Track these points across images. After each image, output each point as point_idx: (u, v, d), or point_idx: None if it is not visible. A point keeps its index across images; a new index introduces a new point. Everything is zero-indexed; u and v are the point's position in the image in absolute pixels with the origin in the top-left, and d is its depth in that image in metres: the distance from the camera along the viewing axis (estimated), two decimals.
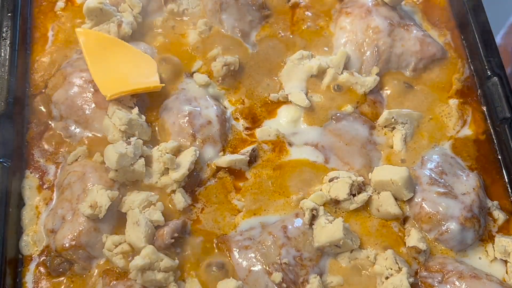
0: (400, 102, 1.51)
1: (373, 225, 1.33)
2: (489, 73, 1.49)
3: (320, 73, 1.50)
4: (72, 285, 1.24)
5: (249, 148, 1.40)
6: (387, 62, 1.52)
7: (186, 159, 1.31)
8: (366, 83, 1.49)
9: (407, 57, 1.53)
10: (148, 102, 1.43)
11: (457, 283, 1.23)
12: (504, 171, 1.43)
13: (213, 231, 1.31)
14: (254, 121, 1.47)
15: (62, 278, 1.25)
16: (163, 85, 1.42)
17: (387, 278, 1.22)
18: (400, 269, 1.22)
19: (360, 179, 1.34)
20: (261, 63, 1.54)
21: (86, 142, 1.38)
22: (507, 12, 1.92)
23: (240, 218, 1.33)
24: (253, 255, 1.24)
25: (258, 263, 1.23)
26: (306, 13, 1.61)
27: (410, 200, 1.33)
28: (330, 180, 1.34)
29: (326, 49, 1.56)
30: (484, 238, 1.34)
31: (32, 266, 1.26)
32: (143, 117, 1.38)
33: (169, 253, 1.24)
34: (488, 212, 1.36)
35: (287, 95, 1.48)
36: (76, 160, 1.36)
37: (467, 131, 1.49)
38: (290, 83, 1.50)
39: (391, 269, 1.23)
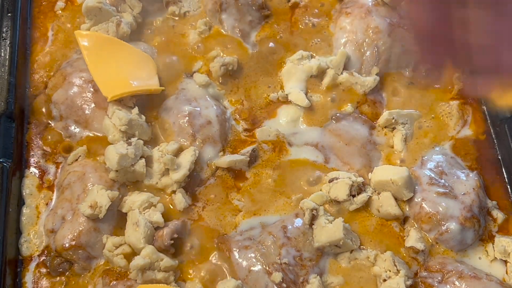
0: (400, 102, 1.51)
1: (373, 225, 1.33)
2: None
3: (320, 73, 1.50)
4: (72, 285, 1.24)
5: (249, 148, 1.40)
6: (387, 62, 1.52)
7: (186, 160, 1.31)
8: (366, 83, 1.49)
9: (407, 57, 1.53)
10: (148, 102, 1.43)
11: (457, 283, 1.23)
12: (504, 171, 1.43)
13: (216, 228, 1.31)
14: (254, 121, 1.47)
15: (62, 278, 1.25)
16: (163, 88, 1.42)
17: (385, 280, 1.23)
18: (398, 271, 1.23)
19: (360, 179, 1.34)
20: (261, 63, 1.54)
21: (86, 142, 1.38)
22: None
23: (240, 218, 1.33)
24: (253, 255, 1.24)
25: (258, 263, 1.23)
26: (306, 13, 1.61)
27: (410, 200, 1.33)
28: (330, 181, 1.34)
29: (326, 49, 1.56)
30: (484, 238, 1.34)
31: (32, 266, 1.26)
32: (143, 117, 1.38)
33: (169, 253, 1.24)
34: (488, 212, 1.36)
35: (286, 95, 1.48)
36: (76, 160, 1.37)
37: (467, 131, 1.49)
38: (290, 83, 1.50)
39: (390, 271, 1.23)
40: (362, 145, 1.43)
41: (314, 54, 1.54)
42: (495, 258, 1.31)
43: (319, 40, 1.57)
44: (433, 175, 1.36)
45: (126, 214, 1.26)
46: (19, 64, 1.44)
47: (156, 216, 1.24)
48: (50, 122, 1.42)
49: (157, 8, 1.59)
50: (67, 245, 1.22)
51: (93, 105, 1.39)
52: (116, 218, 1.28)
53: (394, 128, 1.46)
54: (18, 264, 1.27)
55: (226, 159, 1.37)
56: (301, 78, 1.50)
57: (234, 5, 1.56)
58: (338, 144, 1.42)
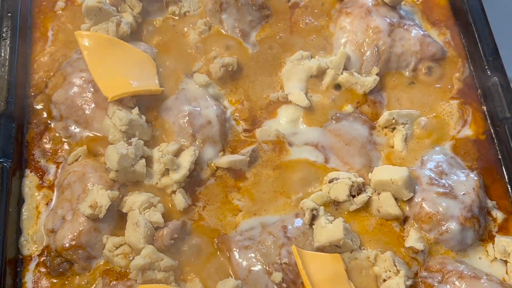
0: (400, 102, 1.51)
1: (373, 225, 1.33)
2: (489, 73, 1.49)
3: (320, 74, 1.50)
4: (72, 285, 1.24)
5: (249, 149, 1.40)
6: (387, 62, 1.52)
7: (186, 160, 1.31)
8: (366, 83, 1.49)
9: (407, 57, 1.53)
10: (148, 102, 1.43)
11: (457, 283, 1.23)
12: (504, 171, 1.43)
13: (216, 228, 1.31)
14: (254, 121, 1.47)
15: (62, 278, 1.25)
16: (163, 89, 1.42)
17: (384, 280, 1.23)
18: (398, 271, 1.23)
19: (360, 180, 1.34)
20: (261, 63, 1.54)
21: (86, 142, 1.38)
22: (507, 12, 1.92)
23: (240, 218, 1.33)
24: (253, 255, 1.24)
25: (258, 263, 1.23)
26: (306, 13, 1.61)
27: (410, 200, 1.33)
28: (330, 181, 1.34)
29: (326, 49, 1.56)
30: (484, 238, 1.34)
31: (32, 266, 1.26)
32: (143, 117, 1.38)
33: (169, 253, 1.24)
34: (488, 212, 1.36)
35: (286, 95, 1.48)
36: (76, 160, 1.37)
37: (467, 131, 1.49)
38: (290, 83, 1.50)
39: (390, 271, 1.23)
40: (362, 145, 1.43)
41: (314, 54, 1.54)
42: (495, 258, 1.30)
43: (319, 40, 1.57)
44: (433, 175, 1.36)
45: (126, 214, 1.26)
46: (19, 64, 1.44)
47: (156, 216, 1.24)
48: (50, 122, 1.42)
49: (157, 8, 1.59)
50: (67, 245, 1.22)
51: (93, 105, 1.39)
52: (116, 218, 1.28)
53: (394, 128, 1.46)
54: (18, 264, 1.26)
55: (226, 159, 1.37)
56: (301, 78, 1.50)
57: (234, 5, 1.56)
58: (338, 144, 1.42)
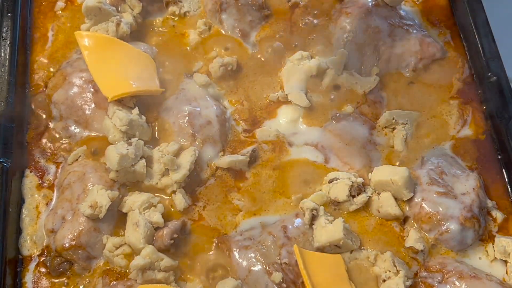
0: (400, 102, 1.51)
1: (373, 225, 1.33)
2: (489, 73, 1.49)
3: (320, 74, 1.50)
4: (72, 285, 1.24)
5: (249, 149, 1.41)
6: (387, 62, 1.52)
7: (186, 160, 1.32)
8: (366, 83, 1.49)
9: (407, 57, 1.53)
10: (148, 102, 1.43)
11: (457, 283, 1.23)
12: (504, 171, 1.43)
13: (216, 227, 1.31)
14: (254, 122, 1.47)
15: (62, 278, 1.25)
16: (163, 89, 1.42)
17: (384, 280, 1.23)
18: (398, 271, 1.23)
19: (360, 180, 1.34)
20: (261, 63, 1.54)
21: (86, 142, 1.38)
22: (507, 12, 1.92)
23: (240, 218, 1.33)
24: (253, 255, 1.24)
25: (258, 263, 1.23)
26: (306, 13, 1.61)
27: (410, 200, 1.33)
28: (330, 181, 1.34)
29: (326, 49, 1.56)
30: (484, 238, 1.34)
31: (32, 266, 1.26)
32: (144, 117, 1.38)
33: (169, 253, 1.24)
34: (488, 212, 1.36)
35: (286, 95, 1.48)
36: (76, 160, 1.37)
37: (467, 131, 1.49)
38: (290, 83, 1.50)
39: (389, 271, 1.23)
40: (362, 145, 1.43)
41: (314, 54, 1.54)
42: (495, 258, 1.30)
43: (319, 40, 1.57)
44: (433, 175, 1.36)
45: (126, 214, 1.27)
46: (19, 64, 1.45)
47: (156, 216, 1.24)
48: (50, 122, 1.42)
49: (157, 8, 1.59)
50: (67, 245, 1.23)
51: (93, 105, 1.39)
52: (116, 218, 1.28)
53: (394, 128, 1.46)
54: (18, 264, 1.27)
55: (226, 159, 1.37)
56: (301, 78, 1.50)
57: (234, 5, 1.56)
58: (338, 144, 1.42)
